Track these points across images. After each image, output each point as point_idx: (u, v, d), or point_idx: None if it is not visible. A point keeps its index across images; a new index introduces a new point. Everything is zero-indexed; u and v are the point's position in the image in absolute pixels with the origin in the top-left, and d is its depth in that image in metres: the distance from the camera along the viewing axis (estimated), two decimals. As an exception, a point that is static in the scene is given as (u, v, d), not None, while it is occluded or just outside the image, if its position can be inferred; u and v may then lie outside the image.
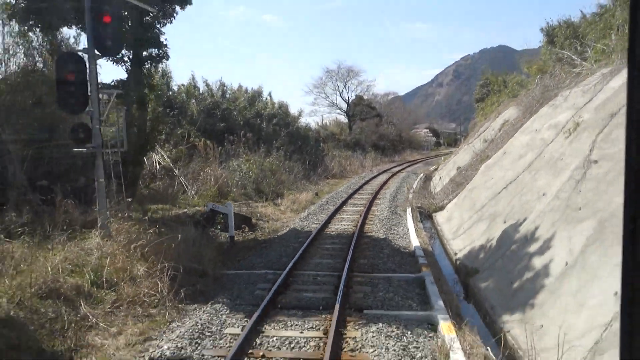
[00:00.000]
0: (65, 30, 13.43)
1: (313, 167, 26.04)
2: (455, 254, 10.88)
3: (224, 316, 6.50)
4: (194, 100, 24.15)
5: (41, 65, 13.27)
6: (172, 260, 7.49)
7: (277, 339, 5.73)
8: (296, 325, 6.18)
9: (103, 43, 8.22)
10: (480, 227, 11.10)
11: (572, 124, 10.58)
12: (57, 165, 11.34)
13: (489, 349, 5.61)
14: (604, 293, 5.46)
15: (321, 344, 5.57)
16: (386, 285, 7.88)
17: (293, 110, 34.41)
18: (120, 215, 8.61)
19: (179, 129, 19.42)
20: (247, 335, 5.63)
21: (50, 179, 10.91)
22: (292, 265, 8.64)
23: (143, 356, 5.33)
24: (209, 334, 5.91)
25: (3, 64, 12.96)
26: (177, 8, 12.35)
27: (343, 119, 53.12)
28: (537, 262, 7.35)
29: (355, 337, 5.80)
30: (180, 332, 5.90)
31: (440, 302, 6.88)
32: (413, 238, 11.77)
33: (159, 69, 17.20)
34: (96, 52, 8.39)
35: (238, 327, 6.11)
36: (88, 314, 6.13)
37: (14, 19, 11.63)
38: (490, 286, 8.10)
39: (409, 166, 37.89)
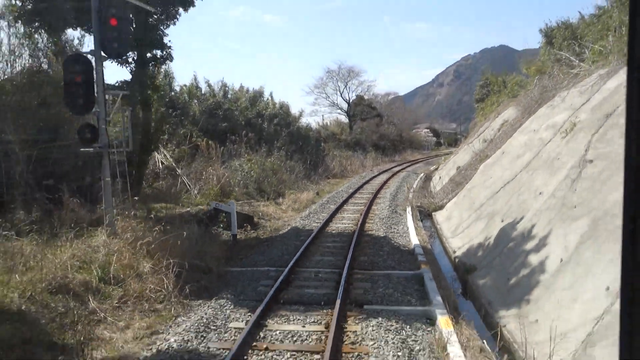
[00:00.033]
0: (69, 32, 13.62)
1: (314, 167, 26.24)
2: (454, 252, 11.07)
3: (228, 311, 6.70)
4: (196, 101, 24.36)
5: (46, 66, 13.46)
6: (177, 258, 7.67)
7: (280, 333, 5.92)
8: (298, 319, 6.37)
9: (109, 45, 8.41)
10: (478, 226, 11.28)
11: (569, 124, 10.76)
12: (62, 164, 11.53)
13: (485, 342, 5.80)
14: (597, 288, 5.65)
15: (323, 337, 5.76)
16: (386, 282, 8.07)
17: (294, 110, 34.64)
18: (127, 213, 8.79)
19: (181, 129, 19.62)
20: (251, 329, 5.81)
21: (55, 178, 11.10)
22: (293, 263, 8.83)
23: (151, 349, 5.52)
24: (214, 327, 6.10)
25: (9, 64, 13.14)
26: (180, 10, 12.55)
27: (344, 119, 53.38)
28: (533, 259, 7.54)
29: (356, 331, 5.98)
30: (186, 326, 6.10)
31: (439, 298, 7.06)
32: (413, 236, 11.95)
33: (162, 70, 17.40)
34: (102, 54, 8.58)
35: (242, 321, 6.30)
36: (96, 308, 6.33)
37: (19, 21, 11.85)
38: (488, 283, 8.28)
39: (409, 166, 38.07)
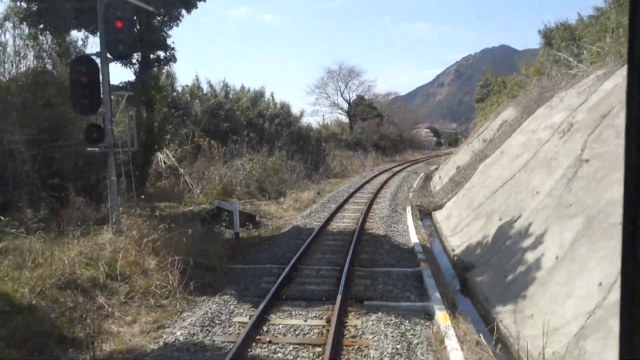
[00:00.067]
0: (73, 33, 13.80)
1: (315, 167, 26.43)
2: (453, 250, 11.25)
3: (232, 306, 6.88)
4: (197, 101, 24.56)
5: (50, 67, 13.66)
6: (181, 255, 7.86)
7: (282, 327, 6.10)
8: (300, 314, 6.55)
9: (115, 47, 8.60)
10: (477, 225, 11.46)
11: (566, 124, 10.93)
12: (67, 164, 11.72)
13: (481, 336, 5.97)
14: (590, 283, 5.83)
15: (324, 331, 5.94)
16: (385, 279, 8.25)
17: (295, 110, 34.82)
18: (133, 210, 8.98)
19: (183, 129, 19.81)
20: (254, 323, 5.99)
21: (60, 177, 11.28)
22: (295, 260, 9.01)
23: (158, 342, 5.71)
24: (219, 322, 6.29)
25: (14, 65, 13.34)
26: (183, 11, 12.74)
27: (344, 119, 53.56)
28: (530, 257, 7.72)
29: (356, 325, 6.17)
30: (191, 321, 6.28)
31: (437, 294, 7.24)
32: (412, 235, 12.12)
33: (164, 70, 17.60)
34: (108, 55, 8.76)
35: (246, 316, 6.49)
36: (104, 303, 6.51)
37: (24, 23, 12.04)
38: (485, 280, 8.46)
39: (409, 166, 38.23)
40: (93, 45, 21.87)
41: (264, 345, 5.55)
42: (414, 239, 11.65)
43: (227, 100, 26.69)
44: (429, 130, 78.08)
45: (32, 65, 13.42)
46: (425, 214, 16.72)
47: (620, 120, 8.13)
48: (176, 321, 6.39)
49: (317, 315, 6.51)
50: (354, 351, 5.46)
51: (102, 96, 8.61)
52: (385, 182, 25.21)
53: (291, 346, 5.52)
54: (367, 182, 25.41)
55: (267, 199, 17.52)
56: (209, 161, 17.87)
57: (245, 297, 7.31)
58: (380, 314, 6.54)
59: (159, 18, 12.27)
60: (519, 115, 17.82)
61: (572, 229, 7.16)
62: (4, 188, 10.21)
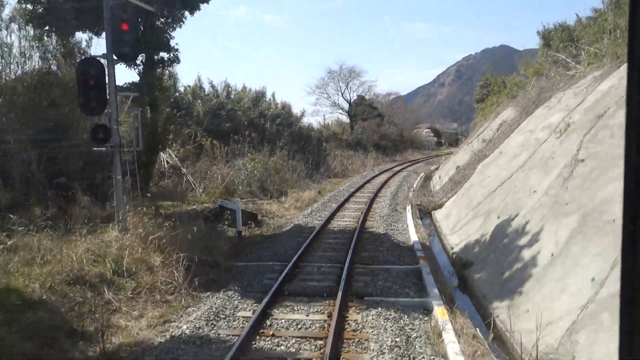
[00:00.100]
0: (78, 35, 14.00)
1: (315, 166, 26.63)
2: (452, 248, 11.44)
3: (236, 302, 7.08)
4: (199, 101, 24.77)
5: (55, 68, 13.85)
6: (186, 252, 8.05)
7: (285, 321, 6.30)
8: (302, 309, 6.74)
9: (121, 49, 8.79)
10: (475, 223, 11.65)
11: (563, 124, 11.11)
12: (72, 163, 11.93)
13: (478, 330, 6.16)
14: (584, 279, 6.02)
15: (325, 325, 6.14)
16: (385, 276, 8.43)
17: (295, 110, 34.96)
18: (139, 208, 9.18)
19: (185, 129, 20.01)
20: (258, 318, 6.19)
21: (66, 176, 11.49)
22: (297, 258, 9.20)
23: (164, 335, 5.90)
24: (223, 316, 6.48)
25: (19, 66, 13.54)
26: (186, 13, 12.94)
27: (345, 119, 53.77)
28: (526, 254, 7.91)
29: (357, 320, 6.36)
30: (197, 315, 6.48)
31: (436, 291, 7.43)
32: (412, 234, 12.31)
33: (167, 71, 17.80)
34: (114, 57, 8.96)
35: (249, 310, 6.68)
36: (112, 299, 6.71)
37: (30, 24, 12.24)
38: (483, 277, 8.66)
39: (410, 166, 38.42)
40: (97, 46, 22.11)
41: (268, 338, 5.75)
42: (413, 237, 11.84)
43: (229, 100, 26.91)
44: (429, 130, 78.23)
45: (37, 66, 13.62)
46: (425, 213, 16.91)
47: (615, 120, 8.32)
48: (182, 316, 6.58)
49: (319, 310, 6.70)
50: (354, 344, 5.65)
51: (108, 97, 8.80)
52: (386, 181, 25.39)
53: (294, 339, 5.72)
54: (368, 181, 25.60)
55: (269, 198, 17.72)
56: (211, 161, 18.09)
57: (248, 293, 7.51)
58: (380, 309, 6.72)
59: (162, 20, 12.47)
60: (518, 115, 18.01)
61: (568, 227, 7.34)
62: (11, 187, 10.41)
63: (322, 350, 5.40)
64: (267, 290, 7.30)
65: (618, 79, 10.41)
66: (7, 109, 11.62)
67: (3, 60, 13.12)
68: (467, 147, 24.61)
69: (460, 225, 12.67)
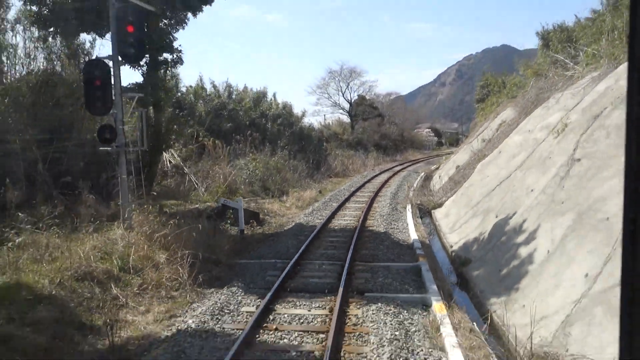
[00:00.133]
0: (82, 36, 14.18)
1: (316, 166, 26.82)
2: (451, 246, 11.61)
3: (239, 297, 7.26)
4: (201, 101, 24.96)
5: (59, 69, 14.04)
6: (190, 250, 8.24)
7: (288, 316, 6.48)
8: (304, 305, 6.92)
9: (127, 50, 8.98)
10: (474, 222, 11.83)
11: (561, 125, 11.28)
12: (77, 163, 12.12)
13: (475, 324, 6.34)
14: (578, 275, 6.20)
15: (327, 320, 6.32)
16: (385, 273, 8.61)
17: (296, 110, 35.24)
18: (145, 207, 9.36)
19: (188, 129, 20.19)
20: (261, 313, 6.37)
21: (71, 176, 11.67)
22: (299, 255, 9.39)
23: (171, 329, 6.09)
24: (228, 311, 6.67)
25: (24, 67, 13.73)
26: (190, 15, 13.12)
27: (346, 118, 53.98)
28: (523, 251, 8.09)
29: (357, 315, 6.54)
30: (201, 310, 6.66)
31: (434, 287, 7.61)
32: (412, 232, 12.48)
33: (169, 72, 17.99)
34: (120, 58, 9.14)
35: (253, 306, 6.86)
36: (119, 294, 6.89)
37: (35, 26, 12.42)
38: (481, 274, 8.84)
39: (410, 165, 38.59)
40: (101, 47, 22.28)
41: (271, 332, 5.93)
42: (413, 235, 12.01)
43: (230, 100, 27.09)
44: (430, 130, 78.39)
45: (42, 67, 13.80)
46: (425, 212, 17.08)
47: (611, 121, 8.48)
48: (187, 311, 6.77)
49: (320, 306, 6.88)
50: (355, 337, 5.83)
51: (113, 98, 8.98)
52: (386, 181, 25.57)
53: (296, 333, 5.90)
54: (368, 181, 25.78)
55: (270, 197, 17.91)
56: (213, 160, 18.27)
57: (251, 289, 7.69)
58: (380, 304, 6.90)
59: (165, 21, 12.65)
60: (517, 115, 18.18)
61: (563, 225, 7.52)
62: (18, 186, 10.60)
63: (323, 343, 5.58)
64: (270, 287, 7.48)
65: (614, 80, 10.58)
66: (13, 109, 11.79)
67: (8, 61, 13.31)
68: (467, 147, 24.79)
69: (459, 224, 12.85)
